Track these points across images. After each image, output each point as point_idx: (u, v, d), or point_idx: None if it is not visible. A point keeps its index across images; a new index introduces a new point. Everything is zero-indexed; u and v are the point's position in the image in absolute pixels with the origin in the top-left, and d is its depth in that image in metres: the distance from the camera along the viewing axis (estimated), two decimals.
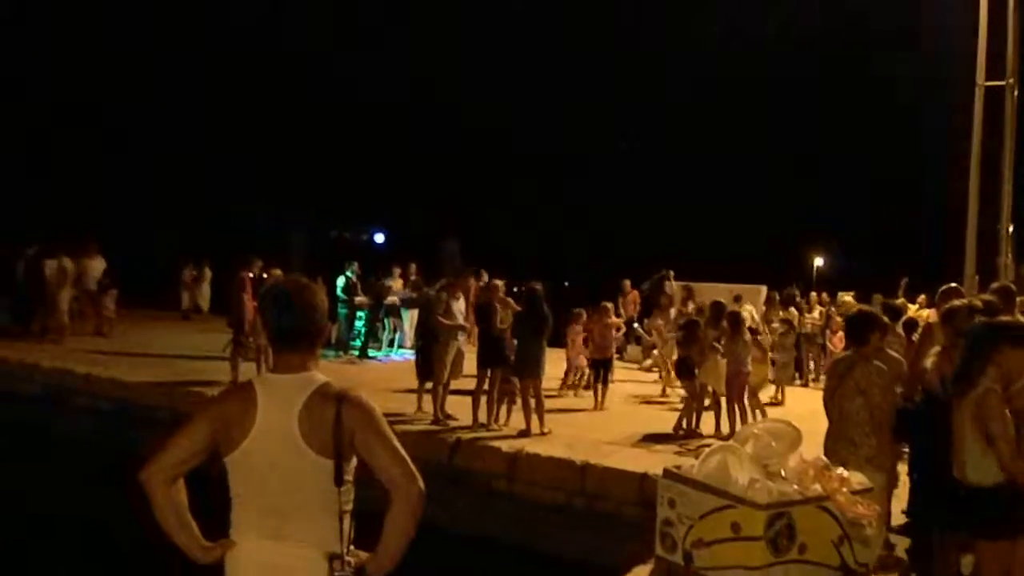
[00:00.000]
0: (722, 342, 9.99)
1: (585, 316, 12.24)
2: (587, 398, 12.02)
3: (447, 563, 6.73)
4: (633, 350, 16.53)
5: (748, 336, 10.22)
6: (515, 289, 14.00)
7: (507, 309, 10.20)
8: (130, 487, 2.62)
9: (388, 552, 2.47)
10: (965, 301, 5.67)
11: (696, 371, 10.08)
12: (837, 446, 4.98)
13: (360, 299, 15.15)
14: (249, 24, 35.58)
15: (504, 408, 9.81)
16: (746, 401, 9.99)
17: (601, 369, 11.78)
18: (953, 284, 7.63)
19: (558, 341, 11.78)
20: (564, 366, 12.59)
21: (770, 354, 11.88)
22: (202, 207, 31.88)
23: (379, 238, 31.86)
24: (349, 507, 2.54)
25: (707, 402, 10.44)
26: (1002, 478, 3.86)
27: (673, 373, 12.10)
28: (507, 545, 7.91)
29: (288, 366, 2.57)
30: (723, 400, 10.06)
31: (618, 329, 14.11)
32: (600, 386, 11.68)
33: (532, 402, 9.49)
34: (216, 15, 34.32)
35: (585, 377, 12.35)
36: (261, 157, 34.28)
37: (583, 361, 12.21)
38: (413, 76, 37.89)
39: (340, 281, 15.00)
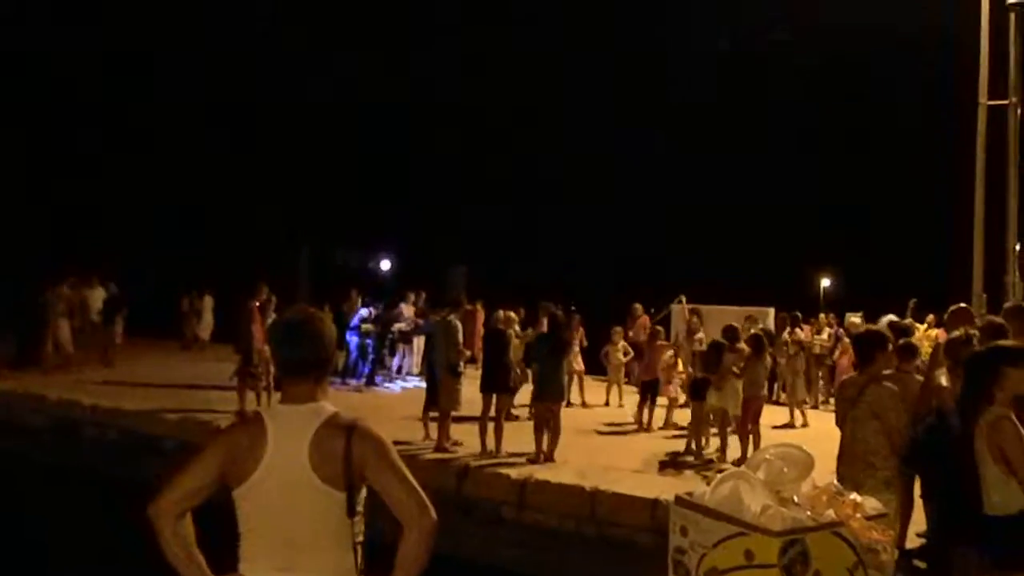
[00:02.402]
0: (741, 365, 9.97)
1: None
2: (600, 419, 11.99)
3: None
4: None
5: (768, 360, 10.21)
6: (520, 313, 14.04)
7: (520, 339, 10.24)
8: (138, 519, 2.60)
9: None
10: (961, 332, 5.70)
11: (708, 394, 10.01)
12: (852, 470, 4.92)
13: (367, 327, 15.15)
14: (255, 27, 35.59)
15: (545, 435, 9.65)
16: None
17: (648, 392, 12.00)
18: (962, 304, 7.60)
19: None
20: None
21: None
22: (204, 230, 31.83)
23: (384, 264, 32.02)
24: (360, 538, 2.52)
25: (714, 428, 10.41)
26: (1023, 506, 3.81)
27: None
28: (517, 573, 7.84)
29: (297, 397, 2.57)
30: (732, 423, 10.02)
31: (626, 353, 14.10)
32: (647, 407, 11.96)
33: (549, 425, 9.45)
34: (218, 17, 34.23)
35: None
36: (268, 178, 34.25)
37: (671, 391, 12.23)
38: (420, 99, 37.96)
39: (363, 312, 15.12)
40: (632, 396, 13.24)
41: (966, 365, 4.37)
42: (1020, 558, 3.83)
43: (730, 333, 10.38)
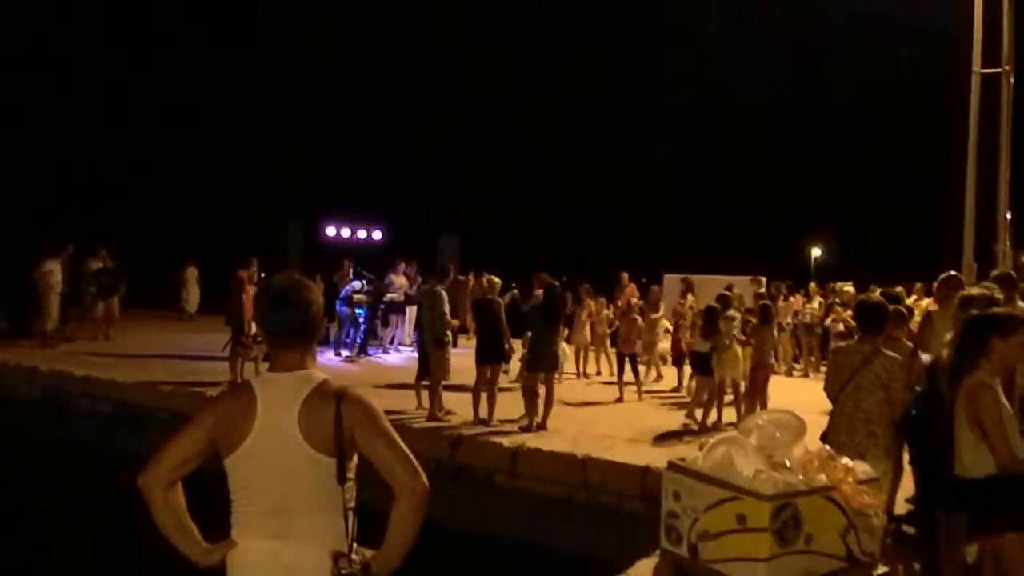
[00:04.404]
0: (739, 331, 10.00)
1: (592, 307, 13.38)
2: (596, 389, 12.01)
3: (449, 559, 6.71)
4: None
5: (776, 329, 10.20)
6: (513, 285, 14.01)
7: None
8: (129, 489, 2.59)
9: (394, 549, 2.45)
10: (978, 290, 5.66)
11: (713, 364, 9.98)
12: (855, 438, 4.92)
13: (359, 297, 15.09)
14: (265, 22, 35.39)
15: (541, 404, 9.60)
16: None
17: (626, 362, 11.90)
18: (953, 272, 7.61)
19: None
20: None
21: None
22: (194, 204, 31.74)
23: (376, 235, 31.87)
24: (352, 504, 2.51)
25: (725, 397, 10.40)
26: (994, 470, 3.84)
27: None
28: (510, 540, 7.89)
29: (286, 364, 2.54)
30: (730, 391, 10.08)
31: (611, 324, 14.05)
32: (623, 379, 11.83)
33: (542, 394, 9.46)
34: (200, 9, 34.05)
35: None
36: (258, 154, 34.11)
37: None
38: (411, 71, 37.76)
39: (356, 284, 15.00)
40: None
41: (960, 330, 4.37)
42: (991, 521, 3.87)
43: (723, 300, 10.38)
